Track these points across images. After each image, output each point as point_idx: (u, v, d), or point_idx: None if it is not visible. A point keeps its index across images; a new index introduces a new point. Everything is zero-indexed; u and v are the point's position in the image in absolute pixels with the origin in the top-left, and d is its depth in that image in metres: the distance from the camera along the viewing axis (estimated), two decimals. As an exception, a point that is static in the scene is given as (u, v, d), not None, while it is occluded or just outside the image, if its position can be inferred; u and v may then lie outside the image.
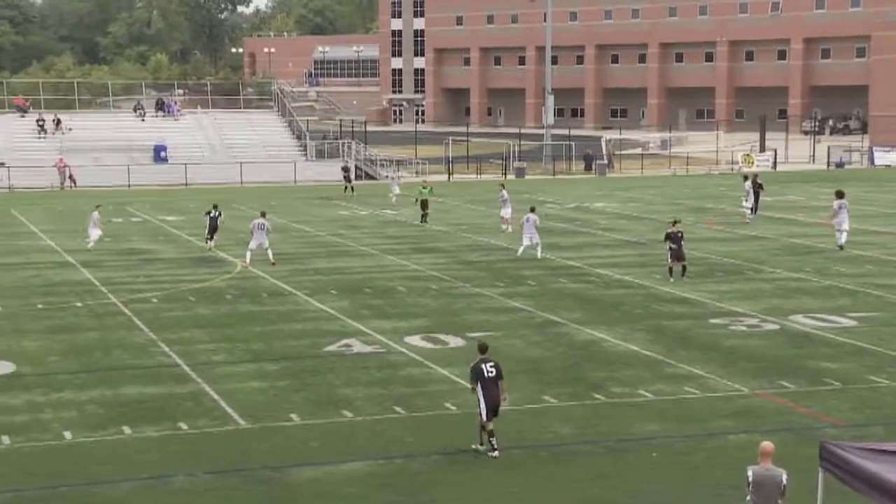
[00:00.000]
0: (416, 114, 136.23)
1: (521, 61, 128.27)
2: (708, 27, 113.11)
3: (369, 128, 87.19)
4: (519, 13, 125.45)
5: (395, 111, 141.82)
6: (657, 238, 39.24)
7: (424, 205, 44.55)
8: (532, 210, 36.97)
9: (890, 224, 42.54)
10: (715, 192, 56.94)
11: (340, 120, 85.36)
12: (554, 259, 35.02)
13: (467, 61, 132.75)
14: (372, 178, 68.88)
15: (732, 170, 71.49)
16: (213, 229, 37.74)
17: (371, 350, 23.15)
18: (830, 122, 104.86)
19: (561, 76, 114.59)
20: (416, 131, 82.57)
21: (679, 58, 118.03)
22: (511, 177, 68.82)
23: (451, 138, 76.86)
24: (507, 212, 42.21)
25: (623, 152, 78.96)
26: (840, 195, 37.63)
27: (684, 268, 30.76)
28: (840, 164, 73.29)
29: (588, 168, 73.02)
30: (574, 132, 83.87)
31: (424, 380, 20.81)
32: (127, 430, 17.77)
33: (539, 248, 36.04)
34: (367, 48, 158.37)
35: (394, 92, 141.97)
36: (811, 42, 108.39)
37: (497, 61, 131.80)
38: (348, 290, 30.00)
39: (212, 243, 37.57)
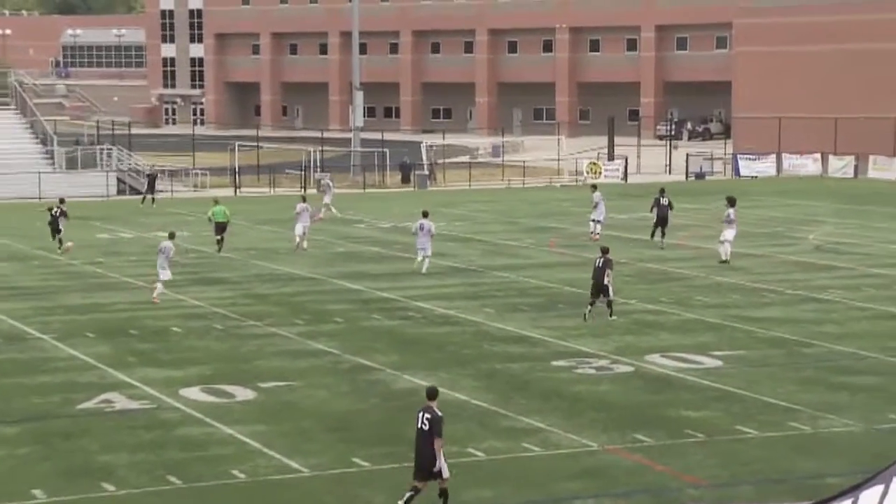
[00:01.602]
0: (194, 113, 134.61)
1: (323, 50, 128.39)
2: (546, 11, 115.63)
3: (135, 130, 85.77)
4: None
5: (167, 110, 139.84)
6: (490, 264, 39.81)
7: (220, 228, 43.63)
8: (425, 215, 37.91)
9: (757, 245, 44.22)
10: (558, 208, 58.11)
11: (98, 121, 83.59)
12: (365, 290, 35.11)
13: (256, 49, 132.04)
14: (138, 192, 67.68)
15: (577, 182, 73.13)
16: (56, 230, 42.94)
17: (138, 406, 22.79)
18: (689, 125, 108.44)
19: (372, 68, 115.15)
20: (193, 135, 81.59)
21: (513, 47, 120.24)
22: (312, 191, 68.62)
23: (237, 143, 76.18)
24: (302, 226, 43.07)
25: (447, 161, 79.83)
26: (731, 202, 40.11)
27: (608, 304, 30.45)
28: (700, 175, 75.80)
29: (405, 180, 73.49)
30: (388, 136, 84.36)
31: (205, 442, 20.55)
32: None
33: (426, 263, 37.26)
34: (131, 32, 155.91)
35: (165, 86, 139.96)
36: (664, 30, 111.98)
37: (293, 49, 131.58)
38: (109, 332, 29.47)
39: (60, 245, 42.66)
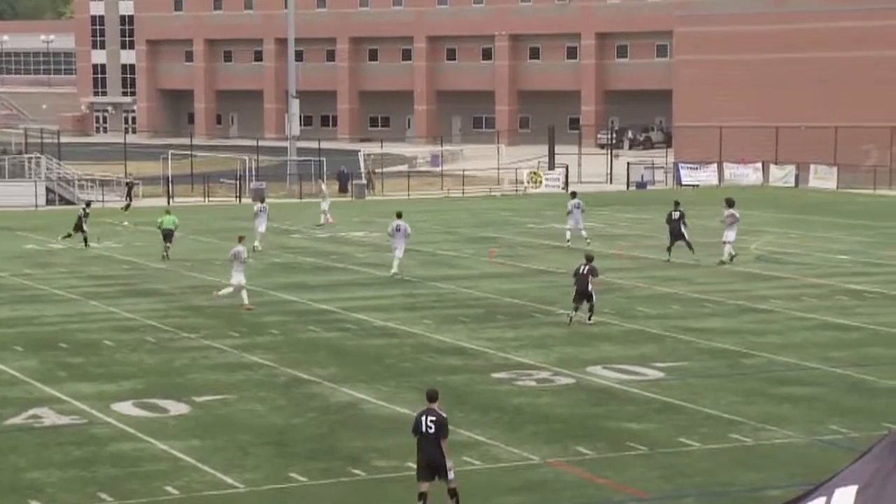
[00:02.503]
0: (126, 121, 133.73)
1: (258, 56, 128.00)
2: (485, 18, 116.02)
3: (64, 139, 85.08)
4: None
5: (97, 118, 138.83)
6: (428, 274, 39.84)
7: (167, 235, 43.93)
8: (399, 216, 39.11)
9: (698, 255, 44.47)
10: (497, 217, 58.25)
11: (26, 129, 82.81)
12: (302, 302, 35.04)
13: (189, 56, 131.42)
14: (69, 202, 67.12)
15: (517, 191, 73.39)
16: (80, 227, 46.71)
17: (68, 421, 22.63)
18: (630, 134, 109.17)
19: (308, 76, 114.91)
20: (125, 143, 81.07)
21: (451, 55, 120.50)
22: (247, 201, 68.42)
23: (170, 152, 75.79)
24: (262, 226, 45.49)
25: (386, 170, 79.85)
26: (730, 203, 41.80)
27: (588, 310, 31.37)
28: (642, 184, 76.28)
29: (343, 189, 73.43)
30: (325, 145, 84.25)
31: (138, 457, 20.42)
32: None
33: (398, 263, 38.57)
34: (60, 38, 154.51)
35: (95, 94, 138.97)
36: (604, 38, 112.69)
37: (227, 56, 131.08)
38: (38, 345, 29.24)
39: (86, 242, 46.34)
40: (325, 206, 55.69)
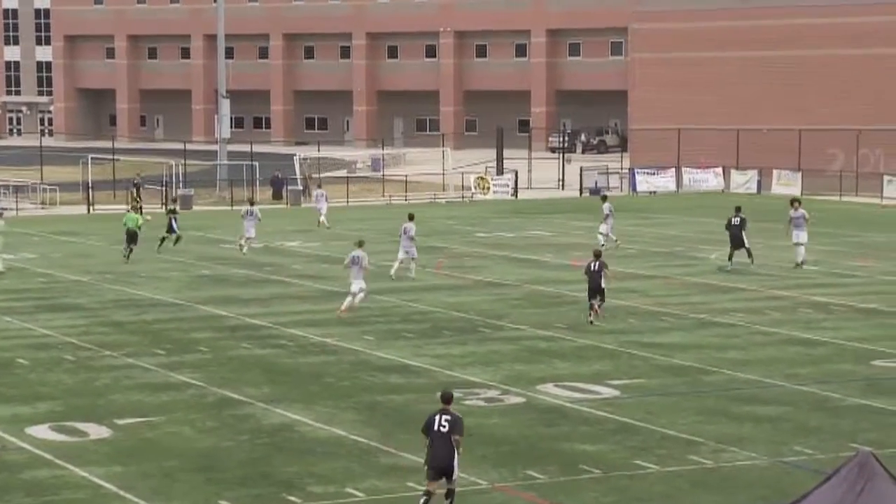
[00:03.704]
0: (42, 123, 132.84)
1: (185, 54, 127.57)
2: (429, 13, 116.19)
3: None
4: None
5: (11, 119, 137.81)
6: (369, 287, 39.77)
7: (132, 237, 44.82)
8: (410, 218, 40.78)
9: (655, 266, 44.79)
10: (443, 226, 58.29)
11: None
12: (233, 317, 34.92)
13: (111, 53, 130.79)
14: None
15: (463, 198, 73.49)
16: (171, 229, 47.00)
17: (-20, 447, 22.42)
18: (583, 137, 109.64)
19: (239, 74, 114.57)
20: (41, 147, 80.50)
21: (393, 52, 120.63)
22: (170, 207, 68.05)
23: (90, 156, 75.27)
24: (251, 232, 46.96)
25: (323, 175, 79.74)
26: (798, 203, 43.78)
27: (599, 305, 33.45)
28: (596, 191, 76.52)
29: (277, 196, 73.26)
30: (258, 148, 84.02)
31: (55, 485, 20.30)
32: None
33: (414, 266, 40.35)
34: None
35: (9, 93, 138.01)
36: (556, 35, 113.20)
37: (152, 53, 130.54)
38: (-53, 365, 28.93)
39: (168, 243, 46.62)
40: (323, 210, 56.76)
